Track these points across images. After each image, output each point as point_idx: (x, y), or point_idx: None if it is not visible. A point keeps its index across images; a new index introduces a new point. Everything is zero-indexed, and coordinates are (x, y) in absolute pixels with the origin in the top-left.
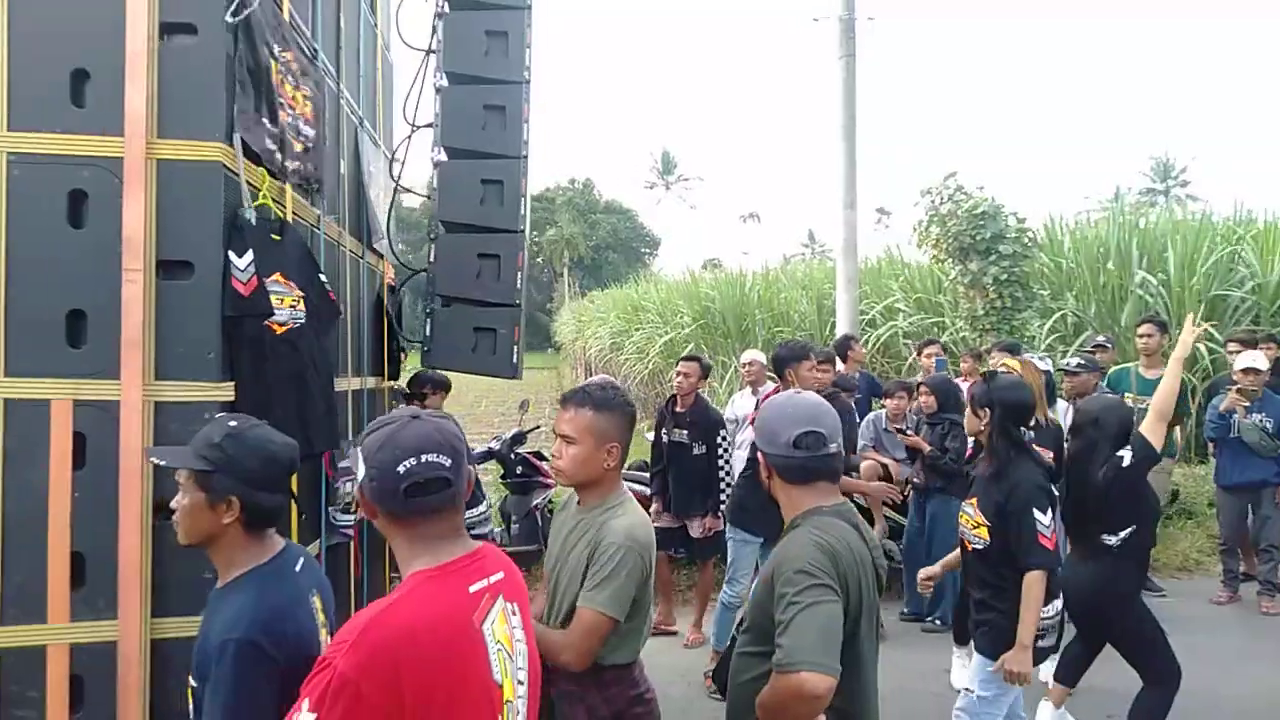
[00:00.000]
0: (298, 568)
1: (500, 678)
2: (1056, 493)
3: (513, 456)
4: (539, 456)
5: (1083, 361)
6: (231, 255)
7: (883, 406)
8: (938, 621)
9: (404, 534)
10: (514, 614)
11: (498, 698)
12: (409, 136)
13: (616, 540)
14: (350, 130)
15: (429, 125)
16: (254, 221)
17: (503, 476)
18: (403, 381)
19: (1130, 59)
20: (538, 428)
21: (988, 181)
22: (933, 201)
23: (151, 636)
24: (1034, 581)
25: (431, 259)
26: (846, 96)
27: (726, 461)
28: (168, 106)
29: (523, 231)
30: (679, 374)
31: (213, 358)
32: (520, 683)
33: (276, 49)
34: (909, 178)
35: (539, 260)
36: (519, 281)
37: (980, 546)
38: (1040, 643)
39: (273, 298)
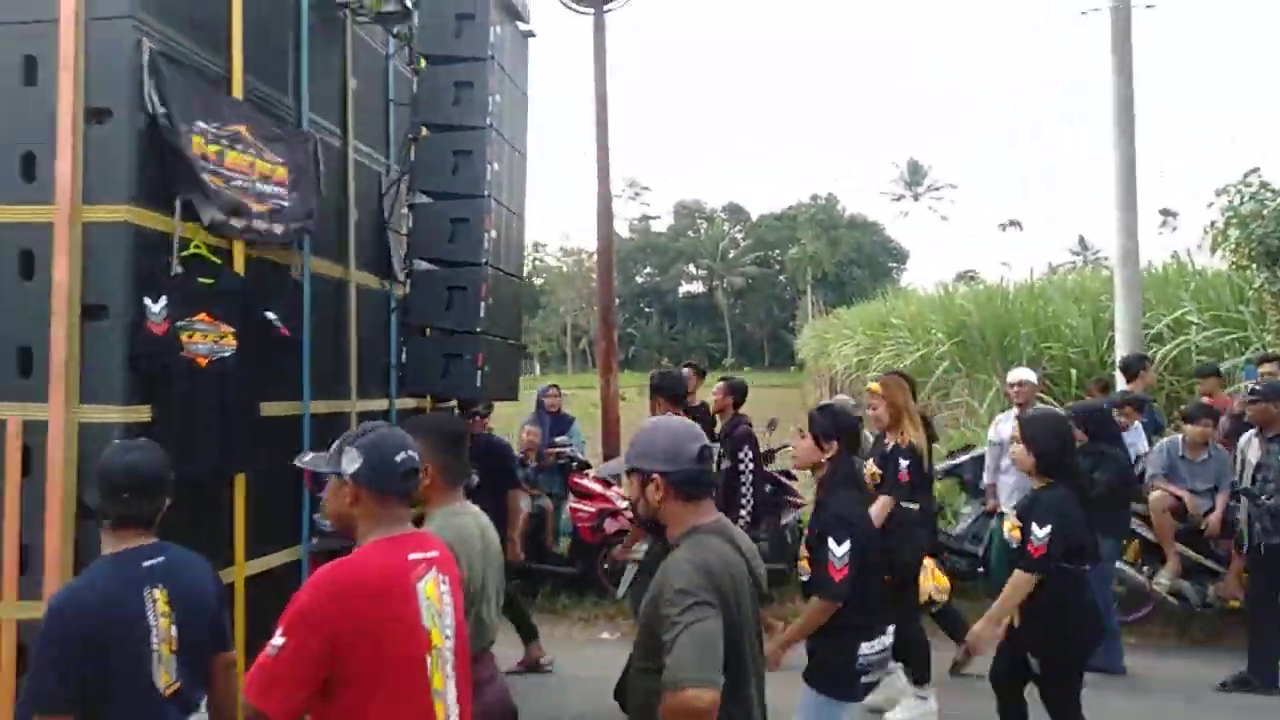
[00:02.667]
0: (146, 563)
1: (429, 625)
2: None
3: None
4: (788, 475)
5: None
6: (147, 300)
7: (1177, 431)
8: None
9: (377, 512)
10: (444, 583)
11: (425, 639)
12: (395, 182)
13: None
14: (370, 178)
15: (405, 173)
16: (175, 270)
17: None
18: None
19: None
20: (785, 446)
21: None
22: (1230, 201)
23: None
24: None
25: (406, 291)
26: (1120, 90)
27: (748, 479)
28: (90, 178)
29: (486, 264)
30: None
31: (122, 387)
32: (448, 636)
33: (208, 126)
34: (1198, 177)
35: (780, 279)
36: (482, 310)
37: None
38: None
39: (196, 335)
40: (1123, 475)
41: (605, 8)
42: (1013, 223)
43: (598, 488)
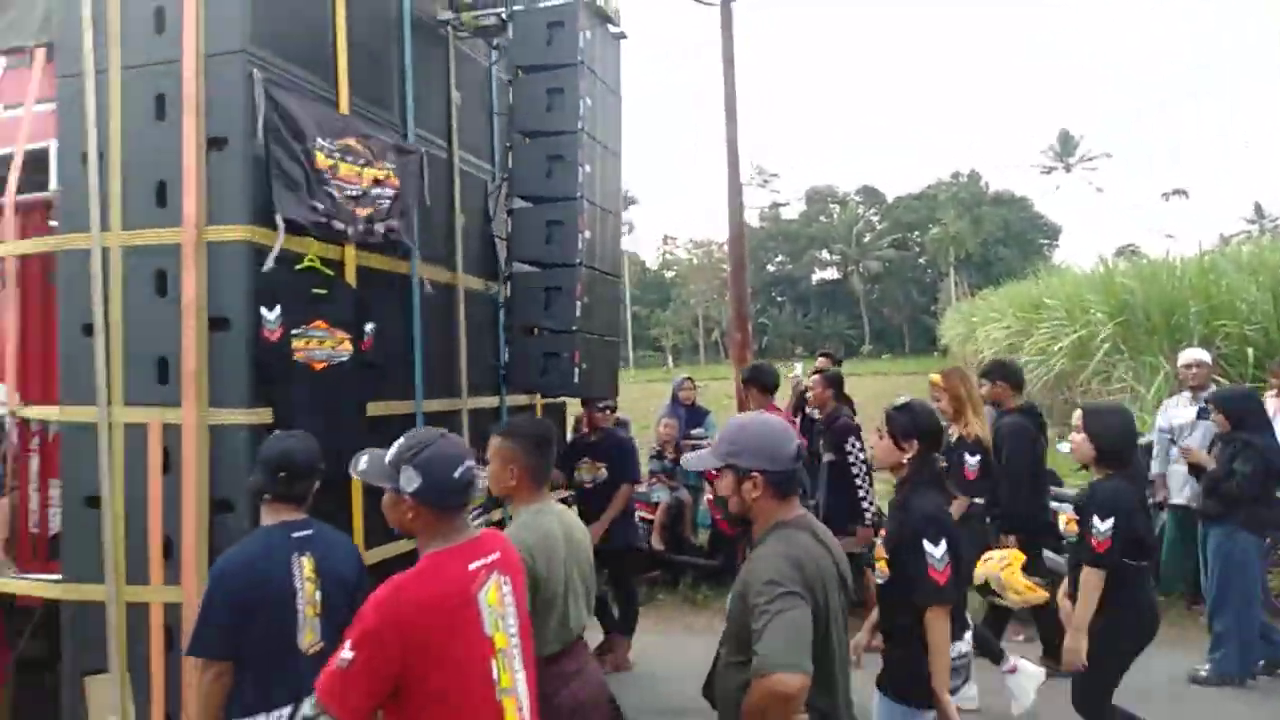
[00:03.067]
0: (295, 534)
1: (491, 631)
2: None
3: None
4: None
5: None
6: (263, 310)
7: None
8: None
9: (438, 525)
10: (505, 584)
11: (489, 646)
12: (497, 189)
13: None
14: (477, 186)
15: (505, 180)
16: (287, 281)
17: None
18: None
19: None
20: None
21: None
22: None
23: None
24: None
25: (508, 294)
26: None
27: (861, 469)
28: (212, 201)
29: (580, 265)
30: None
31: (245, 391)
32: (512, 636)
33: (326, 142)
34: None
35: (920, 261)
36: (577, 309)
37: None
38: None
39: (312, 341)
40: (1267, 466)
41: None
42: (1177, 191)
43: None
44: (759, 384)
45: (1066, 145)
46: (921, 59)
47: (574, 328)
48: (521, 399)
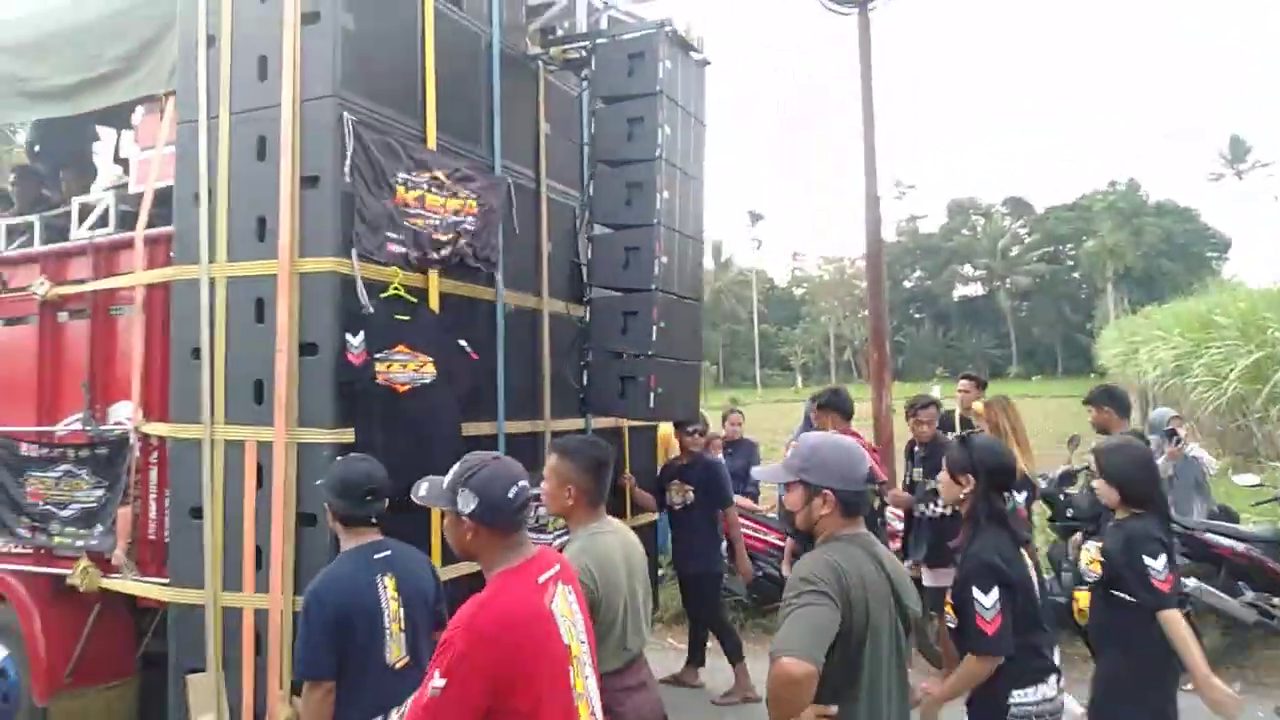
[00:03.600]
0: (376, 555)
1: (568, 640)
2: None
3: (1061, 498)
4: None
5: None
6: (348, 335)
7: None
8: None
9: (498, 544)
10: (570, 594)
11: (567, 654)
12: (580, 216)
13: None
14: (564, 214)
15: (586, 206)
16: (371, 309)
17: (1051, 519)
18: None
19: None
20: (1087, 467)
21: None
22: None
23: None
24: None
25: (587, 319)
26: None
27: None
28: (304, 235)
29: (656, 290)
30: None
31: (330, 412)
32: (582, 643)
33: (409, 176)
34: None
35: (1074, 276)
36: (653, 334)
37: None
38: None
39: (394, 364)
40: None
41: (869, 6)
42: None
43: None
44: (837, 409)
45: (1237, 150)
46: (1067, 61)
47: (650, 352)
48: (608, 421)
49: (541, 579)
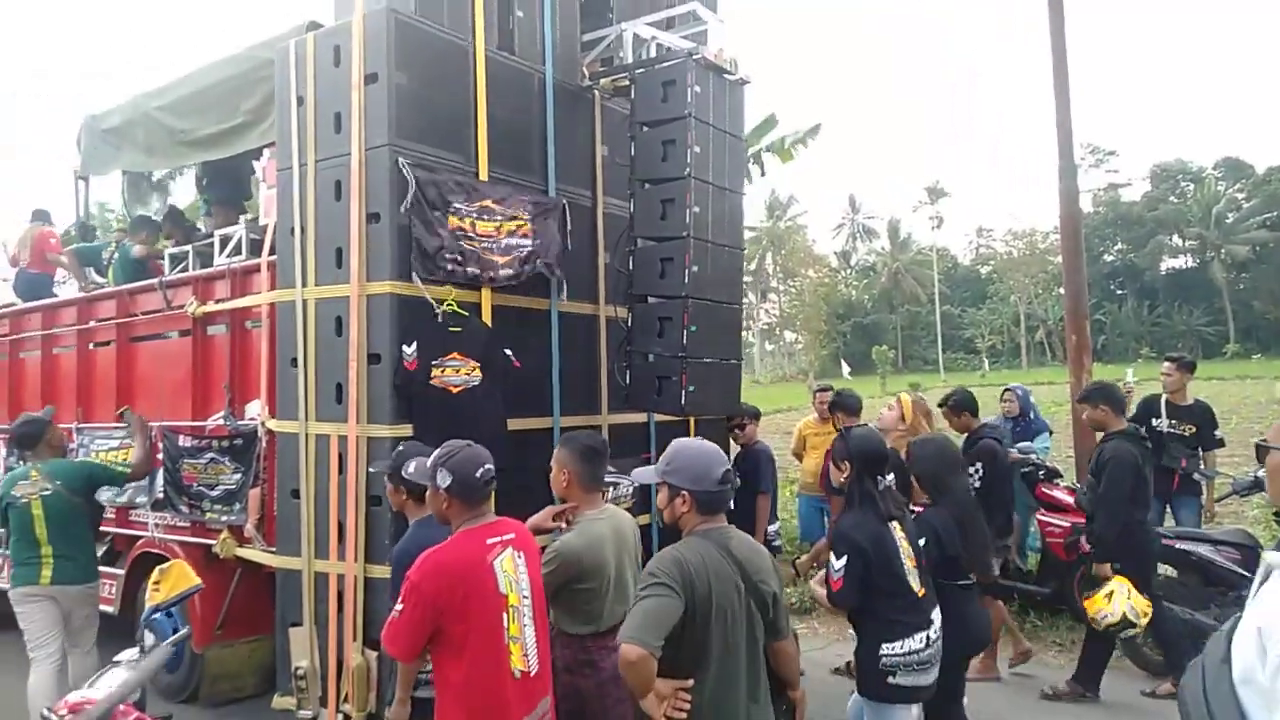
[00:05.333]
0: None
1: (505, 590)
2: None
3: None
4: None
5: None
6: (404, 346)
7: None
8: None
9: (464, 512)
10: (520, 557)
11: (504, 602)
12: (623, 234)
13: None
14: (620, 227)
15: (630, 220)
16: (425, 322)
17: (1275, 514)
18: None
19: None
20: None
21: None
22: None
23: (365, 575)
24: None
25: (629, 323)
26: None
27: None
28: (369, 262)
29: (686, 297)
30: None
31: (390, 410)
32: (525, 597)
33: (459, 208)
34: None
35: None
36: (684, 336)
37: None
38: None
39: (448, 370)
40: None
41: None
42: None
43: (1070, 499)
44: (845, 408)
45: None
46: None
47: (681, 354)
48: (669, 417)
49: (490, 541)
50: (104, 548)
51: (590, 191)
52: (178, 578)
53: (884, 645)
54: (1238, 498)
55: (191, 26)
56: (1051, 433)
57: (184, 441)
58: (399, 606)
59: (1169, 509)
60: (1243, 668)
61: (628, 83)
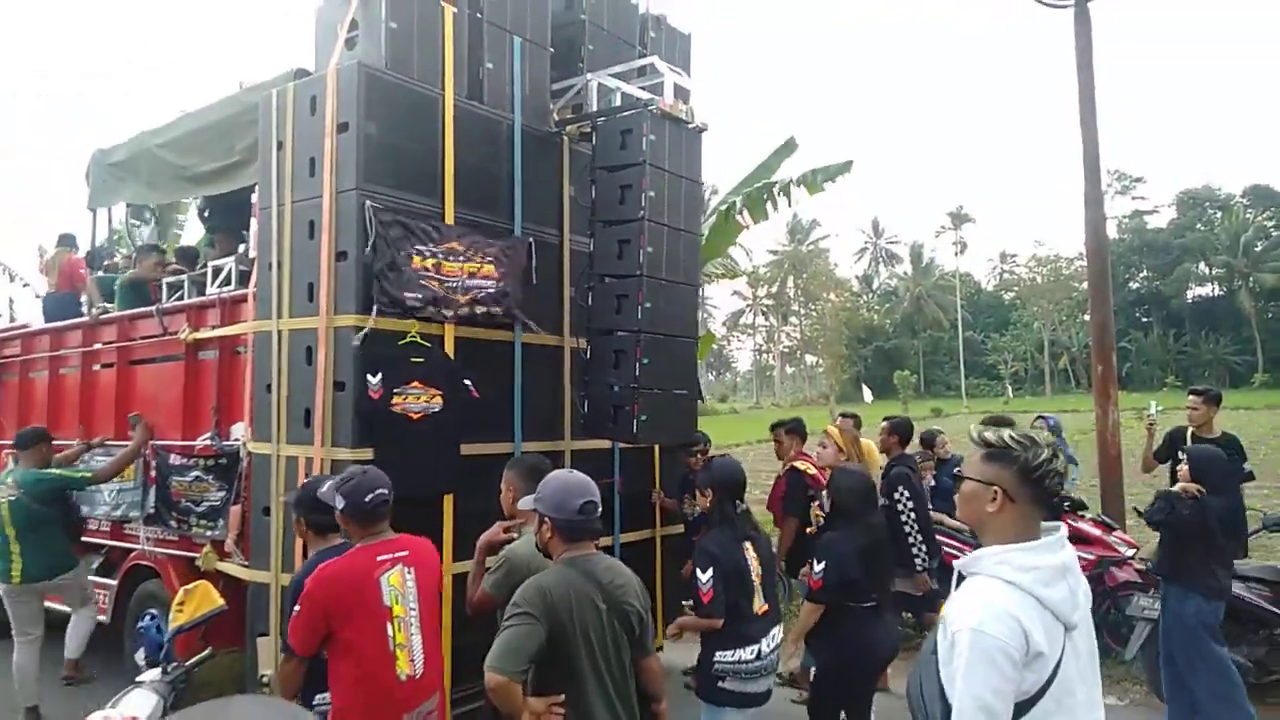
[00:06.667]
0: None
1: (389, 602)
2: None
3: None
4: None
5: None
6: (368, 375)
7: None
8: None
9: (358, 530)
10: (409, 573)
11: (387, 612)
12: (586, 270)
13: None
14: (584, 264)
15: (590, 258)
16: (389, 353)
17: None
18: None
19: None
20: None
21: None
22: None
23: None
24: None
25: (588, 355)
26: None
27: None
28: (337, 297)
29: (639, 331)
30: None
31: (352, 435)
32: (411, 609)
33: (423, 248)
34: None
35: None
36: (637, 369)
37: None
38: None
39: (409, 397)
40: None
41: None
42: None
43: (1097, 531)
44: (796, 433)
45: None
46: None
47: (634, 384)
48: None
49: (381, 558)
50: (100, 559)
51: (557, 230)
52: (202, 599)
53: (718, 653)
54: (1267, 532)
55: (191, 27)
56: (1078, 464)
57: (174, 460)
58: (296, 608)
59: None
60: (935, 645)
61: (589, 130)
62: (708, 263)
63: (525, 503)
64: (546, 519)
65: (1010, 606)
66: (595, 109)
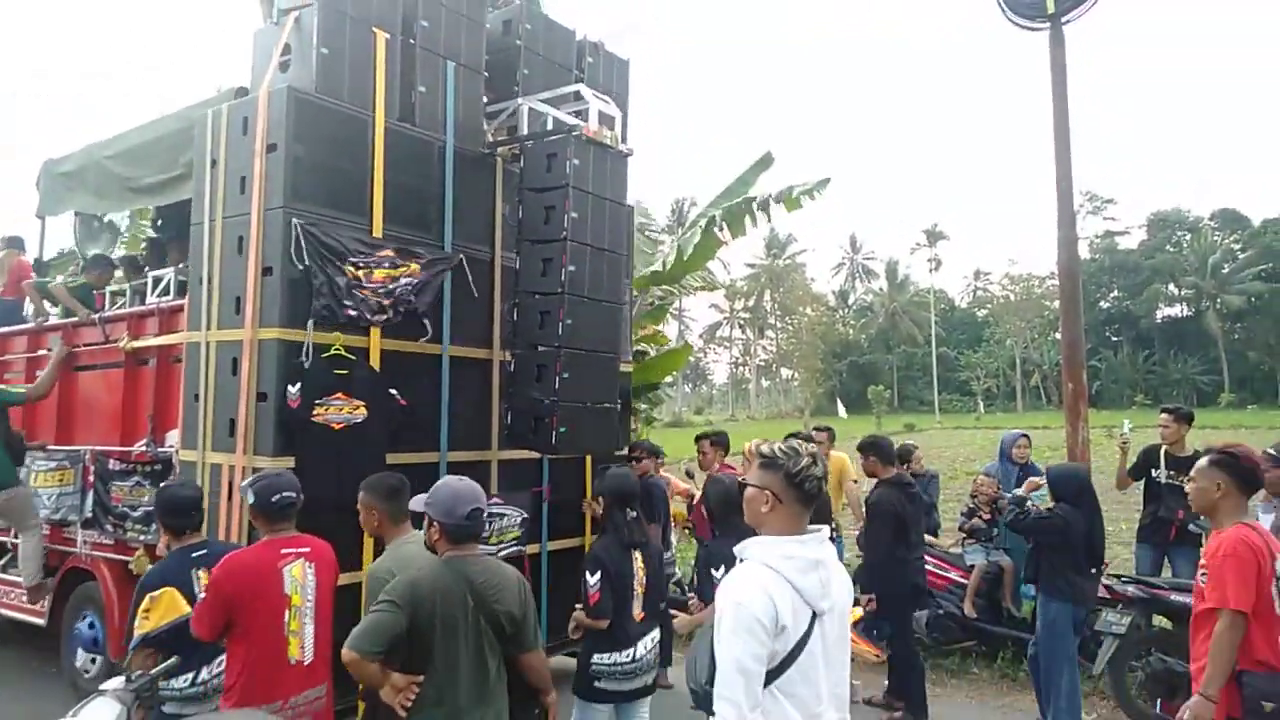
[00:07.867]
0: (194, 554)
1: (289, 592)
2: None
3: None
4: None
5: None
6: (289, 386)
7: None
8: None
9: (265, 526)
10: (310, 567)
11: (286, 602)
12: (514, 286)
13: None
14: (513, 279)
15: (516, 275)
16: (309, 365)
17: None
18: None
19: None
20: None
21: None
22: None
23: None
24: None
25: (513, 369)
26: None
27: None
28: (262, 310)
29: (559, 347)
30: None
31: (273, 443)
32: (308, 600)
33: (355, 260)
34: None
35: None
36: (557, 383)
37: None
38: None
39: (331, 408)
40: None
41: (1063, 20)
42: None
43: None
44: (720, 445)
45: None
46: None
47: (553, 397)
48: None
49: (285, 551)
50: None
51: (489, 246)
52: (167, 607)
53: (596, 654)
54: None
55: (191, 27)
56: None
57: (113, 465)
58: (202, 594)
59: (1167, 560)
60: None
61: (518, 152)
62: (686, 275)
63: (417, 503)
64: (436, 522)
65: (767, 585)
66: (526, 132)
